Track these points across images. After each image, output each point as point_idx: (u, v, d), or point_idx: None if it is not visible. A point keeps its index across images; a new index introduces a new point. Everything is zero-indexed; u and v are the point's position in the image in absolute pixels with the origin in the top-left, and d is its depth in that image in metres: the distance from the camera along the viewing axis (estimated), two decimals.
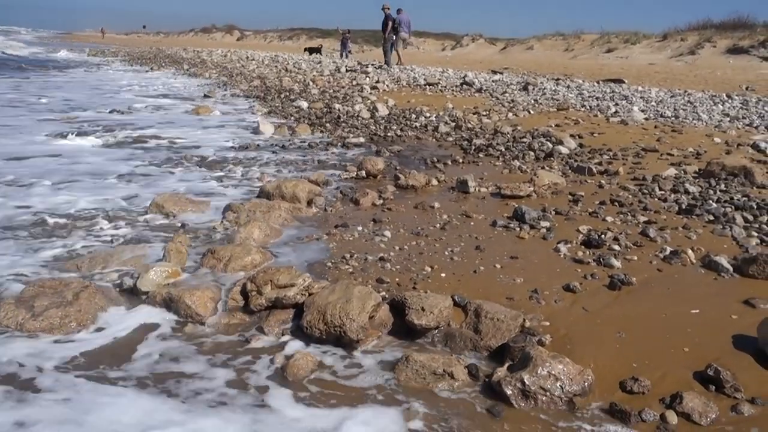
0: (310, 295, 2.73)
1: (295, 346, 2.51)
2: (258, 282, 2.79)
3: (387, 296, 2.79)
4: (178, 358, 2.41)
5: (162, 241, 3.57)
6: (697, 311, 2.69)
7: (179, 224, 3.93)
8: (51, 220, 4.01)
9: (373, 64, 18.23)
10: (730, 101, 10.37)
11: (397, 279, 3.05)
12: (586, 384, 2.16)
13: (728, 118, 8.35)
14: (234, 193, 4.85)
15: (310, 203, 4.38)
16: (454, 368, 2.28)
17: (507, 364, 2.32)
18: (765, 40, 22.26)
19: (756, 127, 7.59)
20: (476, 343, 2.50)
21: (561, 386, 2.13)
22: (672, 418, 2.03)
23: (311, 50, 29.07)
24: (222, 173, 5.53)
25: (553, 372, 2.15)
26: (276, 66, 19.72)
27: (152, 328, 2.64)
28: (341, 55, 25.54)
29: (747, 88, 13.50)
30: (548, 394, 2.12)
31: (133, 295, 2.88)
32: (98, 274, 3.06)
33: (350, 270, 3.17)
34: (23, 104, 10.36)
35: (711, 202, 4.25)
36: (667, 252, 3.35)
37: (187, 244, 3.42)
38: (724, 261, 3.14)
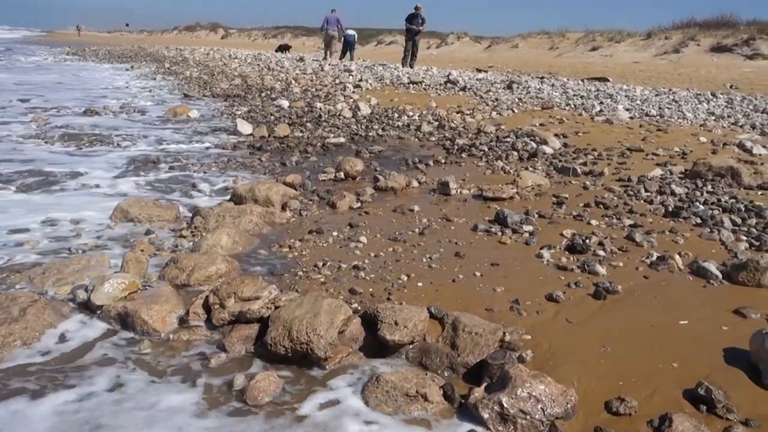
0: (276, 308, 2.54)
1: (257, 365, 2.34)
2: (221, 294, 2.61)
3: (359, 308, 2.62)
4: (129, 381, 2.22)
5: (123, 250, 3.37)
6: (686, 322, 2.55)
7: (144, 231, 3.73)
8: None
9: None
10: (714, 99, 10.32)
11: (371, 289, 2.88)
12: (569, 405, 2.00)
13: (713, 117, 8.27)
14: (205, 197, 4.64)
15: (284, 207, 4.20)
16: (428, 389, 2.11)
17: (485, 384, 2.16)
18: (748, 39, 22.37)
19: (741, 126, 7.51)
20: (453, 359, 2.33)
21: (542, 408, 1.97)
22: None
23: (282, 48, 30.72)
24: (195, 175, 5.31)
25: (533, 393, 1.99)
26: (258, 64, 19.43)
27: (104, 346, 2.44)
28: (325, 55, 25.23)
29: (731, 87, 13.50)
30: (528, 417, 1.96)
31: (86, 309, 2.68)
32: (51, 287, 2.85)
33: (322, 279, 2.99)
34: None
35: (698, 204, 4.12)
36: (654, 258, 3.21)
37: (149, 253, 3.23)
38: (712, 267, 3.00)
